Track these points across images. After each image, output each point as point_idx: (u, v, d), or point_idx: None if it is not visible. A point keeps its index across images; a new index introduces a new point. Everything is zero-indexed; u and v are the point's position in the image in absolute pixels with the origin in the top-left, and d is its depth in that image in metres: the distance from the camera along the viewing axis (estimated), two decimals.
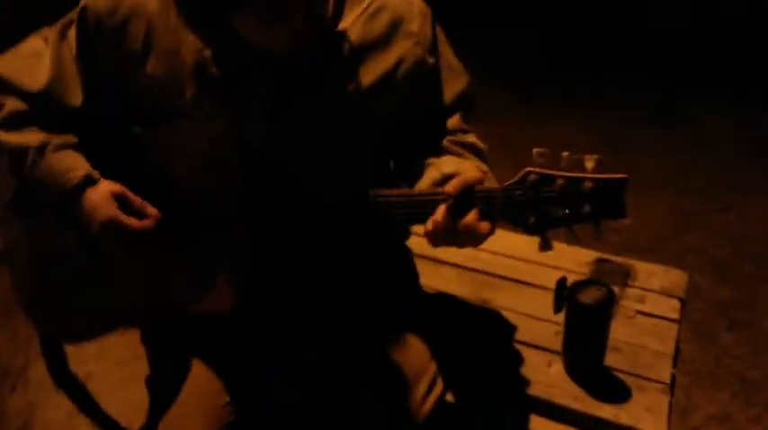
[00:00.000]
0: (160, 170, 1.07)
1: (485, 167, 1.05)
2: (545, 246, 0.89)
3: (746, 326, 2.40)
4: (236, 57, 0.98)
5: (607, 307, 1.24)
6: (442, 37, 1.09)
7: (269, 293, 1.11)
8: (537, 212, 0.87)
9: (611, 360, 1.34)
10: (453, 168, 0.96)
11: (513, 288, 1.58)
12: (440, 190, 0.90)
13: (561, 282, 1.27)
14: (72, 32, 1.06)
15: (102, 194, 1.01)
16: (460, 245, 0.92)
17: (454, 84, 1.10)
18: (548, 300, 1.31)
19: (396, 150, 1.12)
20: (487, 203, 0.89)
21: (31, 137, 1.03)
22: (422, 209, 0.91)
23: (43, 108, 1.05)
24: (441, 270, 1.64)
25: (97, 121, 1.08)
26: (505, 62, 5.22)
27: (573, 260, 1.65)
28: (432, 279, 1.57)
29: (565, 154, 0.86)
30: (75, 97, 1.06)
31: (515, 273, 1.62)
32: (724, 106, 4.21)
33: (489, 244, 1.69)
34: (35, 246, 1.17)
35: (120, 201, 1.01)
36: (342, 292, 1.17)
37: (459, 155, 1.06)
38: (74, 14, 1.06)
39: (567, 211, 0.85)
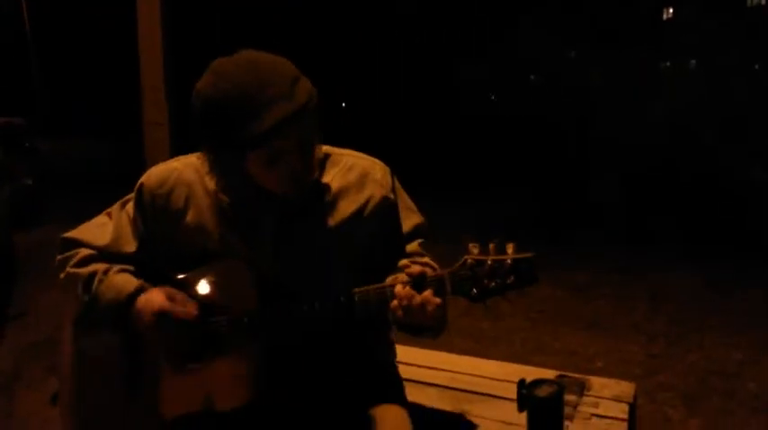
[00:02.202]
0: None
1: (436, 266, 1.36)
2: (486, 309, 1.21)
3: None
4: (245, 192, 1.32)
5: (558, 398, 1.50)
6: (398, 184, 1.47)
7: (276, 391, 1.34)
8: (477, 286, 1.19)
9: None
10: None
11: (488, 401, 1.82)
12: (404, 272, 1.23)
13: (521, 382, 1.54)
14: (130, 204, 1.43)
15: (153, 293, 1.31)
16: (423, 319, 1.20)
17: (410, 218, 1.46)
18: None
19: (369, 268, 1.39)
20: (439, 283, 1.20)
21: (98, 266, 1.37)
22: (392, 295, 1.22)
23: (106, 257, 1.39)
24: (425, 390, 1.89)
25: (145, 268, 1.40)
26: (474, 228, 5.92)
27: (538, 377, 1.91)
28: (417, 397, 1.82)
29: (492, 244, 1.20)
30: (131, 246, 1.41)
31: (489, 390, 1.87)
32: (674, 260, 4.69)
33: (466, 368, 2.01)
34: (84, 373, 1.42)
35: (169, 296, 1.30)
36: (334, 398, 1.41)
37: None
38: (131, 194, 1.44)
39: (498, 282, 1.18)
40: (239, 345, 1.31)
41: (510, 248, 1.19)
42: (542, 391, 1.52)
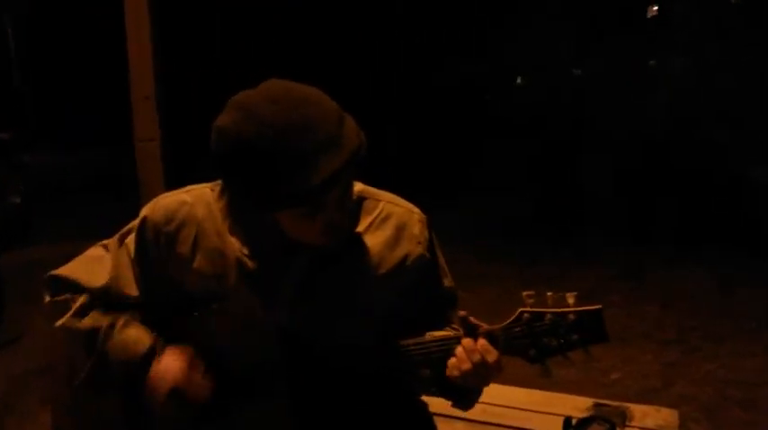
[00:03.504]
0: (198, 350, 1.22)
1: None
2: (546, 373, 1.05)
3: None
4: (272, 250, 1.18)
5: None
6: (435, 238, 1.32)
7: None
8: (535, 345, 1.04)
9: None
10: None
11: None
12: (451, 332, 1.11)
13: (567, 421, 1.45)
14: (130, 239, 1.26)
15: (169, 359, 1.17)
16: (487, 377, 1.08)
17: (445, 280, 1.32)
18: None
19: (399, 324, 1.26)
20: (492, 339, 1.05)
21: (101, 319, 1.21)
22: (436, 349, 1.10)
23: (104, 301, 1.23)
24: (454, 425, 1.79)
25: (148, 312, 1.26)
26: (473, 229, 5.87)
27: (573, 407, 1.82)
28: None
29: (549, 293, 1.04)
30: (132, 289, 1.24)
31: (523, 423, 1.78)
32: (676, 262, 4.66)
33: (494, 397, 1.91)
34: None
35: (189, 363, 1.17)
36: None
37: None
38: (132, 225, 1.26)
39: (560, 341, 1.03)
40: (262, 399, 1.20)
41: (571, 298, 1.04)
42: None
